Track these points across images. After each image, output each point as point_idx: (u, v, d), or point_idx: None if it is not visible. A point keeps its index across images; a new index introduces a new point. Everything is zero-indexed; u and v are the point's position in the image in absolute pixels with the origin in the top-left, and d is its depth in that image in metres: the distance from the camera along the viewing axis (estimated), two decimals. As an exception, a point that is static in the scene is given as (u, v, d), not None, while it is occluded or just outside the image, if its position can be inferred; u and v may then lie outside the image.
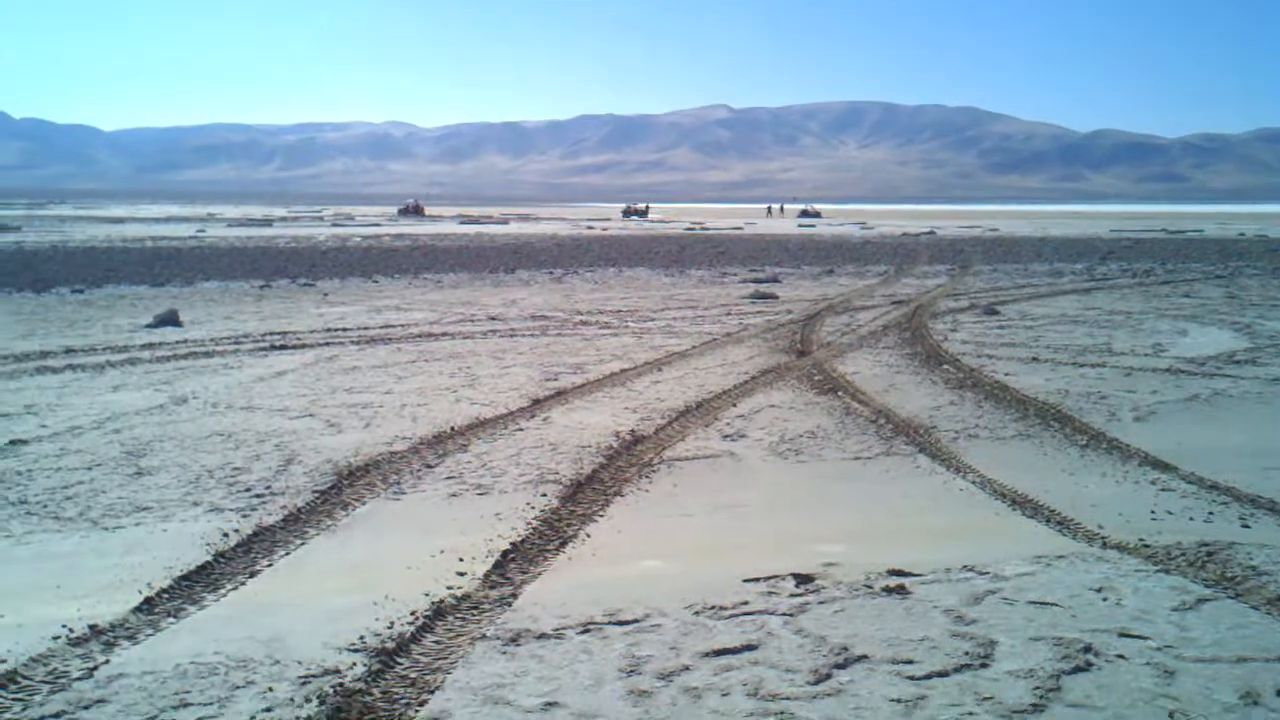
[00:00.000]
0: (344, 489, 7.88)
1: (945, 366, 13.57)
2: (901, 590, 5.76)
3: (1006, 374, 13.01)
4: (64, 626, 5.33)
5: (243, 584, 5.99)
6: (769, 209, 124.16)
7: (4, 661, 4.93)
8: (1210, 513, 7.34)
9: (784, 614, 5.47)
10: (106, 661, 4.94)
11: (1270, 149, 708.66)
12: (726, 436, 9.68)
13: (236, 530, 6.86)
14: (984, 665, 4.80)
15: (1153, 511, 7.38)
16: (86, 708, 4.47)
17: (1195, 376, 12.81)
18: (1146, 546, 6.52)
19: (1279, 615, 5.37)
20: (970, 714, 4.33)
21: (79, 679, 4.75)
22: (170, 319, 17.30)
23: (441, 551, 6.53)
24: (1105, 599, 5.60)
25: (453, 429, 9.86)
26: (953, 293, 24.28)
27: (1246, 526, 7.02)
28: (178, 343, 15.36)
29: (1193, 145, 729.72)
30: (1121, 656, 4.87)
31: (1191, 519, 7.21)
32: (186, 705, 4.49)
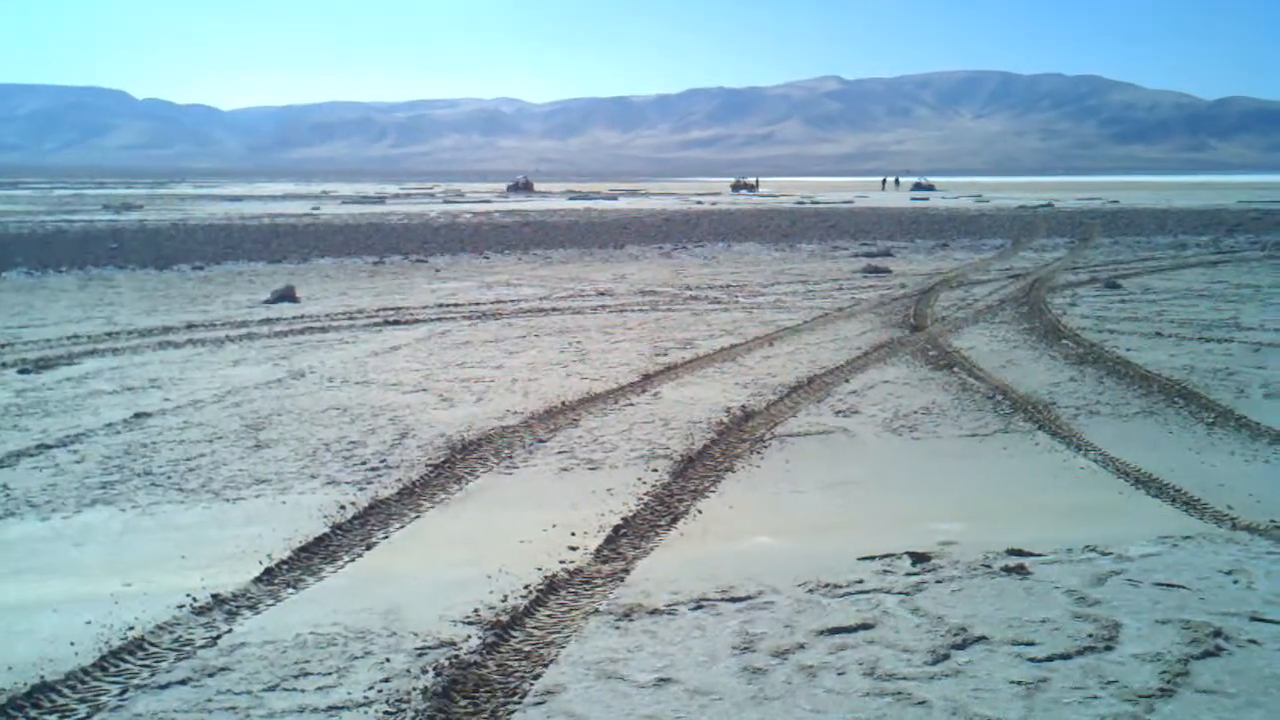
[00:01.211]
0: (457, 463, 7.95)
1: (1065, 341, 13.24)
2: (1021, 570, 5.63)
3: (1129, 349, 12.65)
4: (188, 595, 5.46)
5: (359, 556, 6.07)
6: (883, 182, 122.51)
7: (132, 629, 5.07)
8: (1348, 493, 7.06)
9: (900, 593, 5.38)
10: (229, 630, 5.04)
11: None
12: (839, 412, 9.56)
13: (353, 503, 6.97)
14: (1108, 648, 4.66)
15: (1285, 491, 7.12)
16: (211, 675, 4.57)
17: (1329, 352, 12.33)
18: (1279, 528, 6.29)
19: None
20: (1094, 697, 4.21)
21: (203, 647, 4.86)
22: (287, 295, 17.65)
23: (554, 525, 6.55)
24: (1236, 582, 5.40)
25: (563, 404, 9.90)
26: (1071, 266, 23.71)
27: (1386, 506, 6.73)
28: (294, 318, 15.67)
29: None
30: (1254, 641, 4.69)
31: (1329, 499, 6.93)
32: (306, 675, 4.57)
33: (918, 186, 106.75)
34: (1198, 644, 4.67)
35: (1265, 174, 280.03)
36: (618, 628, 5.00)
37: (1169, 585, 5.37)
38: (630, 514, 6.74)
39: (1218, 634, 4.77)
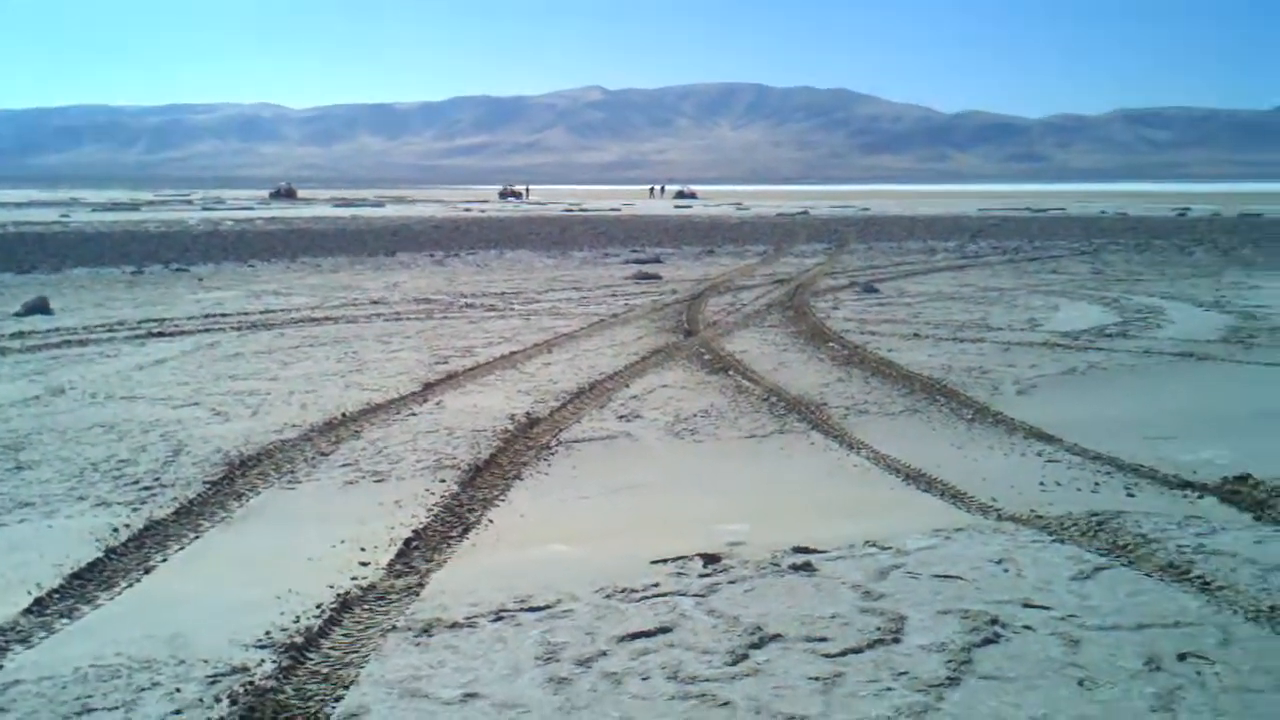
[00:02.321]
0: (236, 479, 7.67)
1: (830, 344, 13.75)
2: (808, 568, 5.82)
3: (890, 350, 13.23)
4: (-51, 631, 5.11)
5: (138, 580, 5.79)
6: (651, 190, 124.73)
7: (-113, 670, 4.70)
8: (1096, 483, 7.55)
9: (695, 595, 5.48)
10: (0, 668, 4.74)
11: (1127, 129, 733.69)
12: (622, 417, 9.67)
13: (127, 525, 6.64)
14: (896, 640, 4.87)
15: (1042, 483, 7.57)
16: (-19, 715, 4.29)
17: (1071, 350, 13.19)
18: (1040, 518, 6.69)
19: (1171, 581, 5.55)
20: (888, 689, 4.39)
21: (-30, 686, 4.55)
22: (40, 306, 16.67)
23: (342, 541, 6.40)
24: (1006, 570, 5.72)
25: (344, 415, 9.68)
26: (831, 271, 24.63)
27: (1131, 495, 7.24)
28: (49, 331, 14.82)
29: (1054, 125, 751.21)
30: (1028, 627, 4.98)
31: (1079, 489, 7.41)
32: (90, 711, 4.32)
33: (680, 195, 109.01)
34: (977, 632, 4.92)
35: (1000, 183, 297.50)
36: (417, 644, 4.92)
37: (946, 576, 5.65)
38: (421, 526, 6.65)
39: (994, 621, 5.04)
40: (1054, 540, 6.23)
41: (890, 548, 6.13)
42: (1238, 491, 7.25)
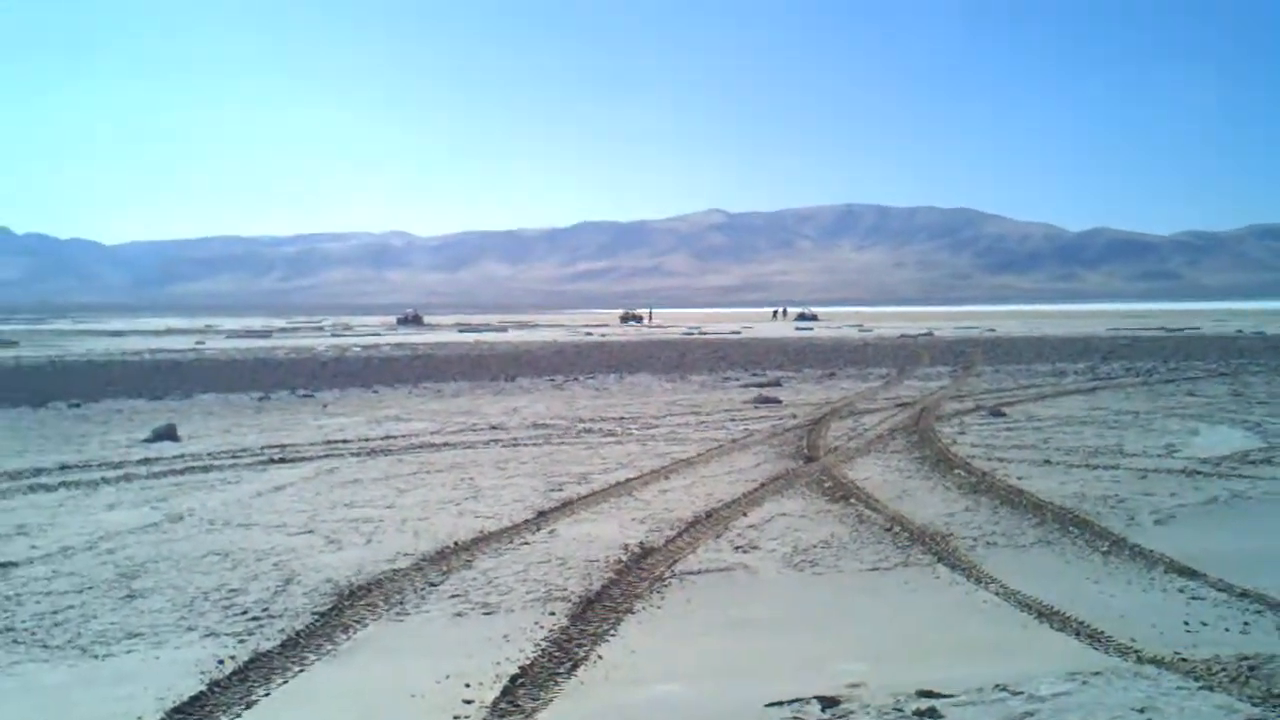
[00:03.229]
0: (345, 610, 7.59)
1: (956, 471, 13.32)
2: (933, 714, 5.48)
3: (1019, 478, 12.76)
4: (50, 767, 5.04)
5: (239, 716, 5.69)
6: (775, 313, 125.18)
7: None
8: (1245, 623, 7.07)
9: (812, 742, 5.18)
10: (94, 806, 4.64)
11: (1262, 245, 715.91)
12: (738, 548, 9.40)
13: (232, 657, 6.58)
14: (1029, 799, 4.51)
15: (1185, 622, 7.10)
16: None
17: (1212, 478, 12.57)
18: (1184, 660, 6.24)
19: (1335, 736, 5.08)
20: None
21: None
22: (168, 433, 17.06)
23: (447, 677, 6.24)
24: (1149, 720, 5.31)
25: (456, 544, 9.59)
26: (956, 395, 24.09)
27: (1286, 637, 6.74)
28: (174, 458, 15.11)
29: (1184, 243, 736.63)
30: (1175, 785, 4.58)
31: (1227, 630, 6.93)
32: None
33: (801, 317, 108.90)
34: (1119, 789, 4.53)
35: (1130, 302, 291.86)
36: (518, 790, 4.71)
37: (1084, 726, 5.26)
38: (528, 662, 6.46)
39: (1138, 778, 4.64)
40: (1201, 687, 5.79)
41: (1022, 693, 5.76)
42: (1404, 635, 6.70)
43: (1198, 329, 68.09)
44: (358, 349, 49.16)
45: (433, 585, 8.24)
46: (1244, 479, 12.47)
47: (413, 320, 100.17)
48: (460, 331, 78.16)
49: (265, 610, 7.60)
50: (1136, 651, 6.49)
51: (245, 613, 7.56)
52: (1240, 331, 62.47)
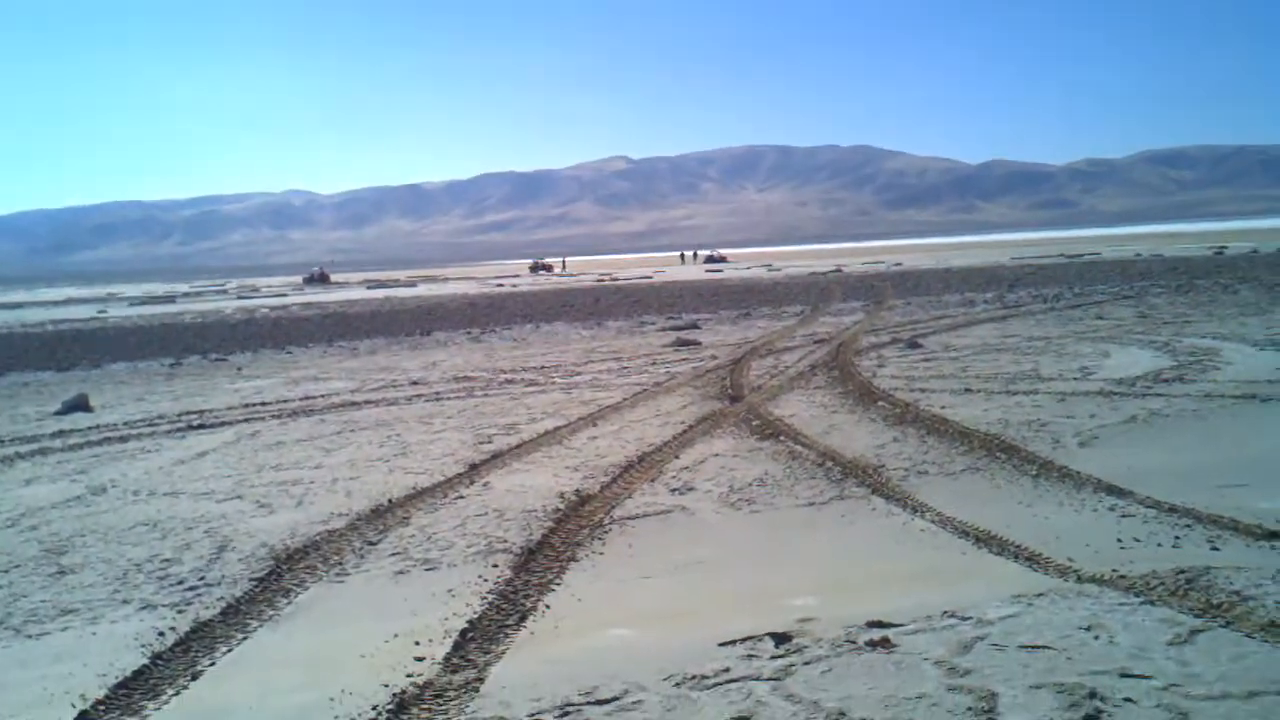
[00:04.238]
0: (283, 574, 7.45)
1: (880, 403, 13.44)
2: (886, 643, 5.52)
3: (943, 407, 12.91)
4: (-7, 752, 4.89)
5: (185, 688, 5.57)
6: (681, 256, 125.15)
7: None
8: (1177, 537, 7.23)
9: (770, 679, 5.19)
10: (45, 789, 4.50)
11: (1153, 170, 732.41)
12: (675, 490, 9.41)
13: (173, 628, 6.43)
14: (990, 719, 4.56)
15: (1119, 540, 7.24)
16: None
17: (1128, 398, 12.83)
18: (1123, 578, 6.36)
19: (1276, 642, 5.21)
20: (990, 776, 4.09)
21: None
22: (80, 404, 16.61)
23: (395, 635, 6.16)
24: (1097, 637, 5.40)
25: (390, 501, 9.46)
26: (872, 329, 24.32)
27: (1216, 549, 6.91)
28: (89, 429, 14.72)
29: (1079, 171, 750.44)
30: (1130, 700, 4.66)
31: (1160, 545, 7.08)
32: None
33: (710, 260, 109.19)
34: (1077, 708, 4.61)
35: (1030, 231, 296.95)
36: (482, 745, 4.66)
37: (1034, 647, 5.33)
38: (476, 616, 6.40)
39: (1093, 695, 4.72)
40: (1143, 602, 5.90)
41: (971, 617, 5.82)
42: (1331, 541, 6.90)
43: (1098, 254, 69.54)
44: (266, 310, 48.33)
45: (371, 544, 8.13)
46: (1159, 397, 12.74)
47: (320, 279, 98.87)
48: (369, 288, 77.18)
49: (202, 579, 7.44)
50: (1076, 571, 6.60)
51: (181, 583, 7.39)
52: (1139, 255, 63.88)
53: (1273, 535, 7.10)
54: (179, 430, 14.23)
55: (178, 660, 5.93)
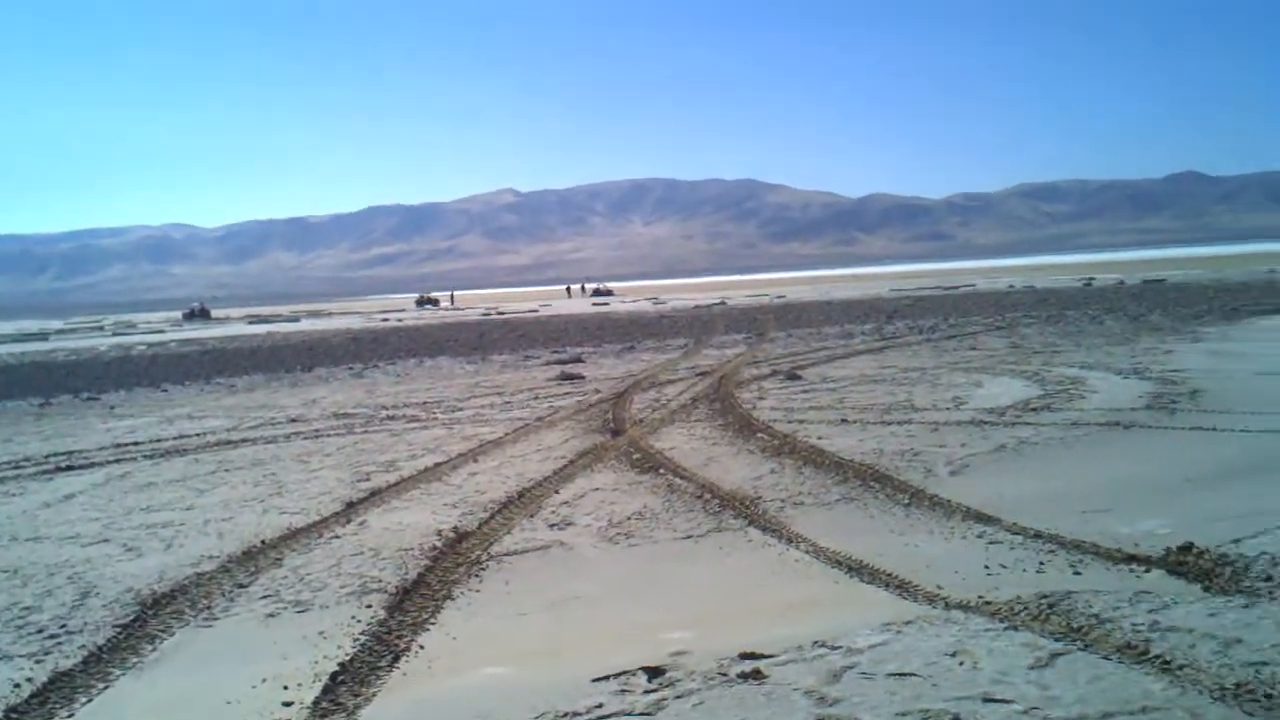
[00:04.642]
0: (149, 620, 7.26)
1: (759, 435, 13.59)
2: (758, 675, 5.57)
3: (820, 438, 13.10)
4: None
5: (42, 741, 5.39)
6: (568, 289, 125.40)
7: None
8: (1041, 562, 7.42)
9: (641, 713, 5.21)
10: None
11: (1026, 204, 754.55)
12: (553, 525, 9.39)
13: (29, 679, 6.21)
14: (855, 748, 4.63)
15: (986, 566, 7.42)
16: None
17: (999, 427, 13.15)
18: (988, 604, 6.51)
19: (1131, 663, 5.38)
20: (852, 804, 4.14)
21: None
22: (-61, 447, 16.02)
23: (264, 680, 6.04)
24: (961, 663, 5.52)
25: (264, 542, 9.28)
26: (753, 361, 24.59)
27: (1078, 574, 7.11)
28: (-52, 473, 14.19)
29: (956, 204, 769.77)
30: (990, 724, 4.77)
31: (1025, 570, 7.27)
32: None
33: (597, 292, 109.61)
34: (939, 733, 4.70)
35: (908, 263, 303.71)
36: (348, 790, 4.59)
37: (901, 674, 5.43)
38: (347, 657, 6.31)
39: (955, 720, 4.82)
40: (1006, 627, 6.04)
41: (840, 647, 5.91)
42: (1183, 562, 7.15)
43: (973, 286, 71.25)
44: (143, 347, 47.18)
45: (241, 587, 7.96)
46: (1028, 426, 13.09)
47: (200, 314, 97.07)
48: (251, 323, 75.85)
49: (63, 627, 7.21)
50: (944, 598, 6.73)
51: (41, 631, 7.15)
52: (1012, 286, 65.64)
53: (1132, 559, 7.33)
54: (46, 472, 13.80)
55: (34, 713, 5.75)
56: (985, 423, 13.47)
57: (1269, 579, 6.65)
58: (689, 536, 8.82)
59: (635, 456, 12.55)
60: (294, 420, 17.98)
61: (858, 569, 7.53)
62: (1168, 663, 5.35)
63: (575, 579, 7.82)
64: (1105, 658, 5.48)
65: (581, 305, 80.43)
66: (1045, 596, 6.52)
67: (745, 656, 5.87)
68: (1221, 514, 8.30)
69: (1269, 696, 4.88)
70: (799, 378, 19.97)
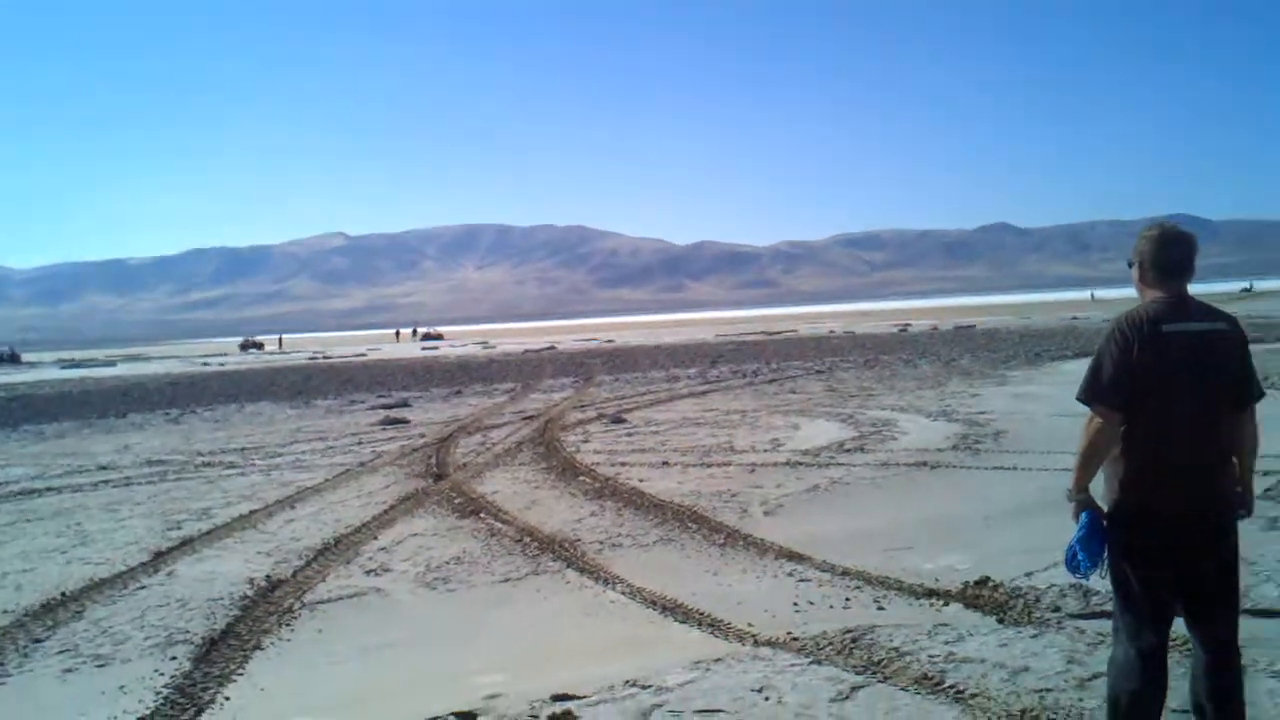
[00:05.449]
0: (-66, 680, 6.92)
1: (582, 478, 13.68)
2: (568, 716, 5.62)
3: (641, 480, 13.25)
4: None
5: None
6: (397, 333, 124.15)
7: None
8: (847, 599, 7.65)
9: (450, 757, 5.19)
10: None
11: (847, 252, 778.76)
12: (370, 572, 9.28)
13: None
14: (659, 784, 4.71)
15: (795, 603, 7.61)
16: None
17: (813, 467, 13.51)
18: (795, 639, 6.69)
19: (926, 694, 5.60)
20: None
21: None
22: None
23: (58, 738, 5.83)
24: (767, 698, 5.66)
25: (64, 594, 8.93)
26: (579, 404, 24.72)
27: (882, 608, 7.36)
28: None
29: (781, 252, 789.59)
30: (791, 756, 4.90)
31: (832, 607, 7.48)
32: None
33: (427, 336, 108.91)
34: (740, 766, 4.81)
35: (734, 309, 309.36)
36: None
37: (708, 711, 5.54)
38: (147, 713, 6.11)
39: (756, 753, 4.94)
40: (812, 662, 6.22)
41: (651, 686, 5.99)
42: (979, 595, 7.47)
43: (795, 331, 72.97)
44: (-60, 393, 44.83)
45: (38, 642, 7.65)
46: (840, 466, 13.48)
47: (9, 359, 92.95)
48: (63, 368, 72.81)
49: None
50: (754, 635, 6.89)
51: None
52: (832, 331, 67.50)
53: (931, 593, 7.62)
54: None
55: None
56: (800, 464, 13.82)
57: (1057, 609, 7.00)
58: (507, 580, 8.83)
59: (457, 501, 12.49)
60: (104, 468, 17.34)
61: (672, 609, 7.64)
62: (960, 692, 5.59)
63: (390, 626, 7.75)
64: (903, 689, 5.69)
65: (410, 350, 79.56)
66: (850, 631, 6.73)
67: (557, 698, 5.90)
68: (1017, 548, 8.67)
69: (1051, 721, 5.14)
70: (624, 421, 20.15)
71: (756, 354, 44.48)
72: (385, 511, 12.05)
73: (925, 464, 13.35)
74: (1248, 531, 5.45)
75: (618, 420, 20.29)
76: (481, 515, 11.56)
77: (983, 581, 7.72)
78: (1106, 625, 4.62)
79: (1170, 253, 4.37)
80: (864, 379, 27.51)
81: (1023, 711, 5.27)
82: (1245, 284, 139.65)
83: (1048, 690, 5.53)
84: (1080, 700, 5.35)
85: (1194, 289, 4.38)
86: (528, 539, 10.22)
